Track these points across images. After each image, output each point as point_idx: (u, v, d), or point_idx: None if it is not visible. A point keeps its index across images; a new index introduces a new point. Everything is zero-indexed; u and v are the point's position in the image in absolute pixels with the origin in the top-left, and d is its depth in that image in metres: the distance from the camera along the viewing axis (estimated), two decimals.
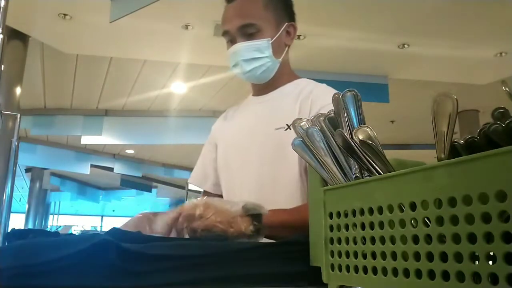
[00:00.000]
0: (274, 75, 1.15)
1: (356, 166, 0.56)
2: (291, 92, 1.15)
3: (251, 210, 0.82)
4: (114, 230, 0.64)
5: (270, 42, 1.10)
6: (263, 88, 1.19)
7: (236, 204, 0.83)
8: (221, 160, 1.21)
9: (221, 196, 1.21)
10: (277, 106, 1.14)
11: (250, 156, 1.12)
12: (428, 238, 0.42)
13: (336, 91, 1.12)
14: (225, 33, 1.13)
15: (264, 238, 0.86)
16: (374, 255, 0.49)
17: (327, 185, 0.60)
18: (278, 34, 1.12)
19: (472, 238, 0.38)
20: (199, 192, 1.32)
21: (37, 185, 10.25)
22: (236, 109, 1.29)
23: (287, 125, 1.08)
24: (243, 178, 1.12)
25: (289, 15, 1.17)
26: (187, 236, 0.78)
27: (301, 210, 0.95)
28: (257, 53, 1.10)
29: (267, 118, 1.14)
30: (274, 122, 1.10)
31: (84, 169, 8.52)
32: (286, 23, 1.15)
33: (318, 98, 1.09)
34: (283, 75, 1.17)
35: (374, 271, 0.49)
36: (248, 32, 1.10)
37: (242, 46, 1.09)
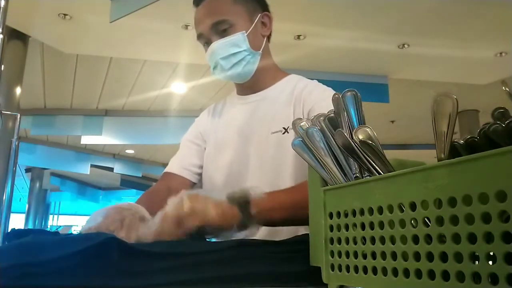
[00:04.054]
0: (259, 72, 1.12)
1: (356, 166, 0.56)
2: (283, 92, 1.12)
3: (237, 198, 0.77)
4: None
5: (246, 34, 1.07)
6: (249, 86, 1.15)
7: (218, 194, 0.77)
8: (211, 158, 1.18)
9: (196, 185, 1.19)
10: (270, 107, 1.11)
11: (248, 159, 1.09)
12: (428, 238, 0.42)
13: (325, 86, 1.11)
14: (199, 37, 1.11)
15: (265, 226, 0.82)
16: (374, 255, 0.49)
17: (327, 185, 0.60)
18: (253, 25, 1.09)
19: (472, 238, 0.38)
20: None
21: (37, 185, 10.24)
22: (222, 106, 1.25)
23: (284, 128, 1.06)
24: (240, 179, 1.09)
25: (262, 5, 1.15)
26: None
27: (302, 188, 0.89)
28: (235, 48, 1.06)
29: (261, 120, 1.11)
30: (270, 125, 1.08)
31: (84, 169, 8.51)
32: (260, 14, 1.12)
33: (310, 94, 1.07)
34: (268, 72, 1.15)
35: (374, 271, 0.49)
36: (221, 29, 1.06)
37: (218, 44, 1.06)
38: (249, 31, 1.08)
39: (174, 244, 0.62)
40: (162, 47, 4.18)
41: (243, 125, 1.13)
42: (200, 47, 1.15)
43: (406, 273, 0.44)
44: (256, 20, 1.11)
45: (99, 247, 0.52)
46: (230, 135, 1.15)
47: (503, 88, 0.45)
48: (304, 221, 0.90)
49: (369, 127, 0.51)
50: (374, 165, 0.51)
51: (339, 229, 0.55)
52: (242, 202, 0.76)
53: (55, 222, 14.88)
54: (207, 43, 1.09)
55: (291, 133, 1.05)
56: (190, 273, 0.57)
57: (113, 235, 0.56)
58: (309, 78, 1.17)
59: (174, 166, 1.20)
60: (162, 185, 1.17)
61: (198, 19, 1.11)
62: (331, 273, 0.56)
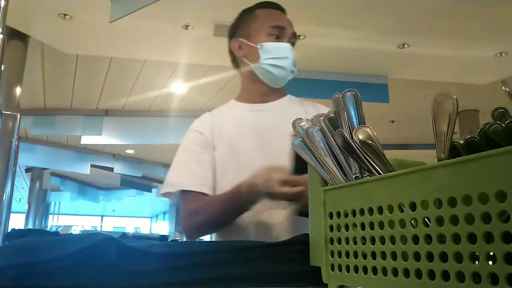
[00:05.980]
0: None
1: (356, 166, 0.56)
2: (290, 102, 1.25)
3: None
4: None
5: None
6: (268, 93, 1.21)
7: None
8: (231, 164, 1.13)
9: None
10: (282, 114, 1.14)
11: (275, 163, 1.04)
12: (428, 238, 0.42)
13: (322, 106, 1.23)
14: (278, 28, 1.18)
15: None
16: (374, 255, 0.49)
17: (327, 185, 0.60)
18: None
19: (472, 238, 0.38)
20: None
21: (37, 185, 10.23)
22: (221, 113, 1.24)
23: None
24: None
25: None
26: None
27: None
28: (294, 68, 1.18)
29: (278, 124, 1.11)
30: (287, 129, 1.08)
31: (84, 169, 8.51)
32: None
33: (316, 105, 1.23)
34: (282, 88, 1.25)
35: (374, 271, 0.49)
36: (293, 42, 1.19)
37: (294, 58, 1.17)
38: None
39: (174, 244, 0.62)
40: (162, 47, 4.18)
41: (261, 130, 1.15)
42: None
43: (406, 273, 0.44)
44: None
45: (97, 247, 0.52)
46: (248, 141, 1.13)
47: (503, 88, 0.45)
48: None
49: (369, 127, 0.51)
50: (374, 165, 0.51)
51: (339, 229, 0.55)
52: None
53: (55, 222, 14.89)
54: (279, 37, 1.17)
55: None
56: (190, 273, 0.57)
57: (112, 235, 0.56)
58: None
59: (190, 183, 1.12)
60: (198, 201, 1.10)
61: (282, 19, 1.23)
62: (331, 273, 0.56)
